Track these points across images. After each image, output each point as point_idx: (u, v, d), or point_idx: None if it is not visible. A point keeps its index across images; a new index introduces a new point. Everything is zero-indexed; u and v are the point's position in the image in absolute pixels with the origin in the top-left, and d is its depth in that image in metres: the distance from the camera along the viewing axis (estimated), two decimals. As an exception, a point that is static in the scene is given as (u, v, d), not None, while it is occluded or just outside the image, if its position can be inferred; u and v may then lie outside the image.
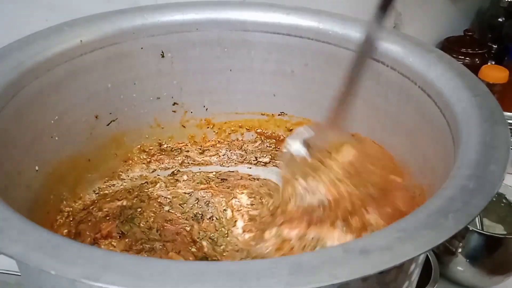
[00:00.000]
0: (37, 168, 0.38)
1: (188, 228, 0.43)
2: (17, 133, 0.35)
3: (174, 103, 0.50)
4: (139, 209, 0.44)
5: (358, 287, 0.24)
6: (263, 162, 0.51)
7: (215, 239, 0.43)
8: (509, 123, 0.32)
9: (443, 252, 0.52)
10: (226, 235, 0.43)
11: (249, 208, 0.45)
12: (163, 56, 0.47)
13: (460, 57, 0.83)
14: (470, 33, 0.85)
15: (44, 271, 0.19)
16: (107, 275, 0.19)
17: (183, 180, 0.48)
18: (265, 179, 0.49)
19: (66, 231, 0.40)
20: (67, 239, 0.21)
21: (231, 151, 0.50)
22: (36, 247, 0.20)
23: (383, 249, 0.22)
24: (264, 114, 0.52)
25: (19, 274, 0.46)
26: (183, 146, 0.51)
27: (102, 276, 0.19)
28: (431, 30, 0.89)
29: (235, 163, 0.51)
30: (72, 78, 0.41)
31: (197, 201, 0.46)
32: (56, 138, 0.40)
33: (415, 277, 0.31)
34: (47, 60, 0.38)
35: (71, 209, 0.42)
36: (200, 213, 0.45)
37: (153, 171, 0.49)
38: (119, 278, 0.19)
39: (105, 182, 0.47)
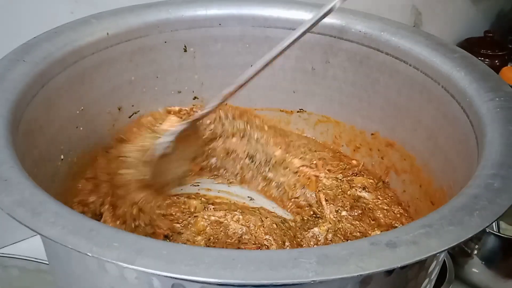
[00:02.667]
0: (62, 157, 0.39)
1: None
2: (46, 122, 0.36)
3: (195, 97, 0.50)
4: None
5: (381, 281, 0.24)
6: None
7: None
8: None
9: (459, 253, 0.51)
10: None
11: None
12: (185, 51, 0.48)
13: (479, 58, 0.81)
14: (491, 35, 0.84)
15: (80, 253, 0.20)
16: (141, 258, 0.20)
17: None
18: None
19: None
20: (101, 224, 0.21)
21: None
22: (72, 230, 0.21)
23: (409, 243, 0.22)
24: (283, 111, 0.52)
25: (38, 260, 0.47)
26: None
27: (136, 259, 0.19)
28: (451, 31, 0.88)
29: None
30: (98, 70, 0.42)
31: None
32: (81, 129, 0.41)
33: (434, 276, 0.31)
34: (75, 52, 0.39)
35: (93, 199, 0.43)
36: None
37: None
38: (153, 261, 0.20)
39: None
